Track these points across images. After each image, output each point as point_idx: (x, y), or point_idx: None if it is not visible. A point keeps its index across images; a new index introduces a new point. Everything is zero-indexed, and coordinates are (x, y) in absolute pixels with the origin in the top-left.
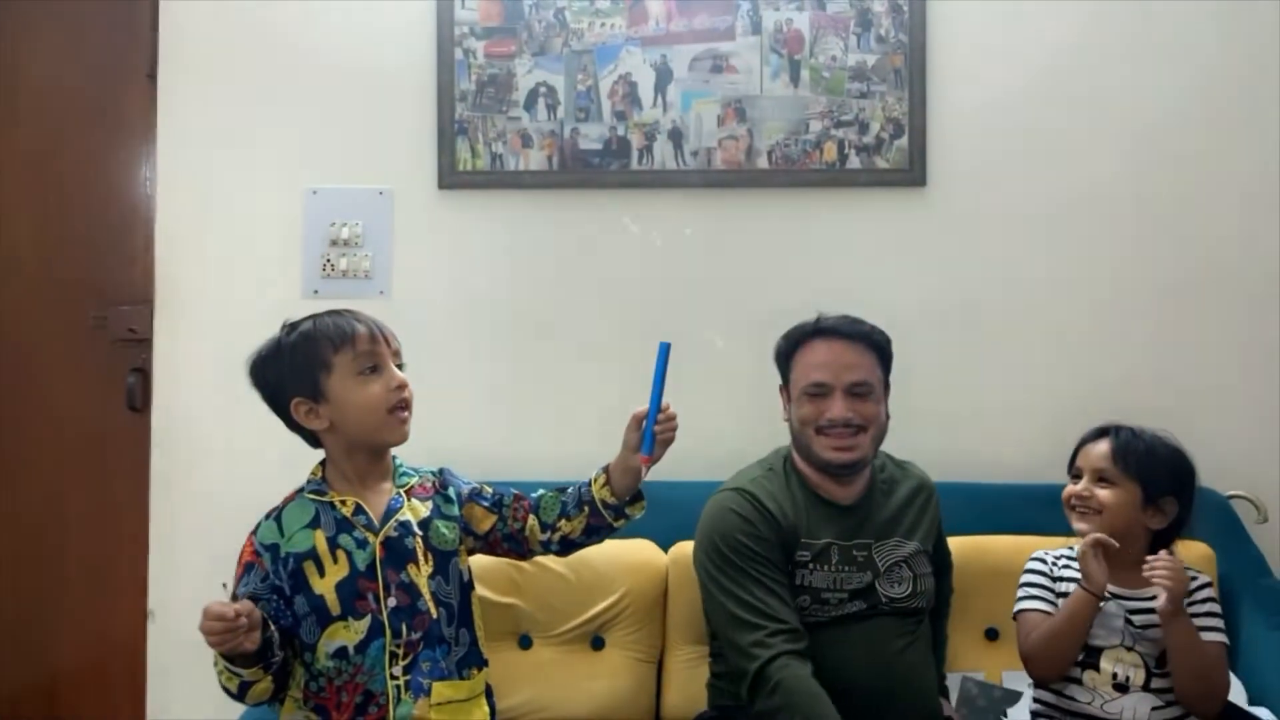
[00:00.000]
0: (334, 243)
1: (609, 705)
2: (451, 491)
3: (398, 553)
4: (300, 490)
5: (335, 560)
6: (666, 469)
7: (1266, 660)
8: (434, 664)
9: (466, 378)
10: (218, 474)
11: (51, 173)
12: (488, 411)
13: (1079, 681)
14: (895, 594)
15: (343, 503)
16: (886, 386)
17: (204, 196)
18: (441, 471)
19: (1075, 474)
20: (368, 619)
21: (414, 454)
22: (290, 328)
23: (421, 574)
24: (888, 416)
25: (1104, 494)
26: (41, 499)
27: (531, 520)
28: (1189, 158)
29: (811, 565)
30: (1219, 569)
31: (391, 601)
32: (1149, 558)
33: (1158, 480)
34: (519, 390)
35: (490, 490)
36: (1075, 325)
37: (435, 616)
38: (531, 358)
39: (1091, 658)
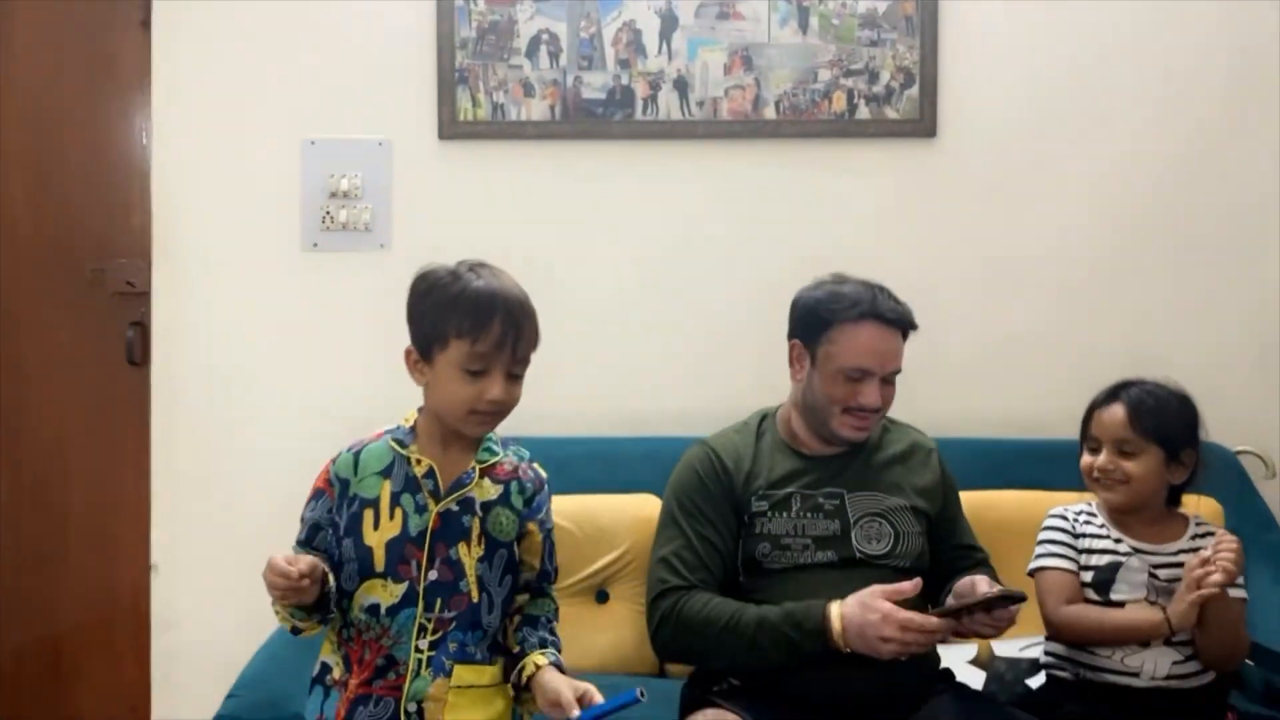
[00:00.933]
0: (333, 195)
1: (614, 657)
2: (533, 502)
3: (452, 528)
4: (389, 432)
5: (391, 517)
6: (667, 424)
7: (1274, 614)
8: (461, 646)
9: None
10: (219, 428)
11: (45, 123)
12: None
13: None
14: (872, 550)
15: (418, 462)
16: None
17: (200, 147)
18: (537, 478)
19: (1092, 445)
20: (405, 585)
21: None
22: (453, 276)
23: (470, 555)
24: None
25: (1130, 465)
26: (42, 453)
27: (516, 620)
28: (1206, 109)
29: (770, 513)
30: (1227, 524)
31: (433, 575)
32: (1219, 534)
33: (1176, 436)
34: None
35: (549, 568)
36: (1084, 278)
37: (476, 600)
38: None
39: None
